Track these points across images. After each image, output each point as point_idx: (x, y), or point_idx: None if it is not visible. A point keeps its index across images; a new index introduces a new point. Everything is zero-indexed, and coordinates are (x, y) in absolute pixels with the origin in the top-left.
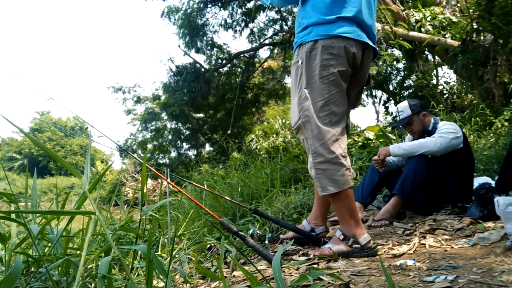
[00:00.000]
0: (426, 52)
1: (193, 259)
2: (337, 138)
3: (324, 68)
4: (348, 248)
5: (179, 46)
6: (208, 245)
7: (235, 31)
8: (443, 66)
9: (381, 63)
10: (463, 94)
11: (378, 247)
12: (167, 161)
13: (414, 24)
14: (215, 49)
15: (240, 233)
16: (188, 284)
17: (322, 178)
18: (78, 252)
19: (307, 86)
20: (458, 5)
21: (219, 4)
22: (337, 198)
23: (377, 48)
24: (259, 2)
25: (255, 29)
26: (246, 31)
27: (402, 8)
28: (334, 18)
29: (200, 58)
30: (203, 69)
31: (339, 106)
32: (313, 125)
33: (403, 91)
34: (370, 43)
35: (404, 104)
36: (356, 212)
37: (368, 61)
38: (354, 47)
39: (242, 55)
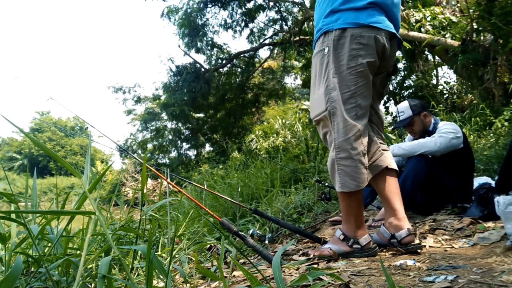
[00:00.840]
0: (426, 52)
1: (193, 259)
2: (360, 134)
3: (353, 58)
4: (348, 248)
5: (179, 46)
6: (208, 245)
7: (235, 31)
8: (443, 66)
9: None
10: (463, 94)
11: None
12: (167, 161)
13: (414, 24)
14: (215, 49)
15: (240, 233)
16: (188, 284)
17: (343, 174)
18: (78, 252)
19: (335, 75)
20: (458, 5)
21: (219, 4)
22: (350, 197)
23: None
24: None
25: (255, 29)
26: (246, 31)
27: (402, 8)
28: (365, 4)
29: (200, 58)
30: (203, 69)
31: (365, 99)
32: (339, 117)
33: (403, 91)
34: (397, 33)
35: (405, 104)
36: (361, 214)
37: (394, 50)
38: (383, 37)
39: (242, 55)
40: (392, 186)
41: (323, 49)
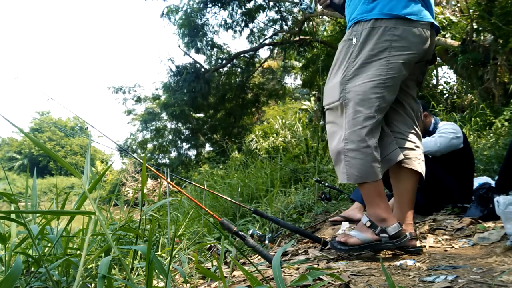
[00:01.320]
0: None
1: (193, 259)
2: (373, 127)
3: (385, 49)
4: (374, 237)
5: (179, 46)
6: (208, 245)
7: (235, 31)
8: (443, 66)
9: None
10: (463, 94)
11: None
12: (167, 161)
13: None
14: (215, 49)
15: (240, 233)
16: (188, 284)
17: (349, 166)
18: (78, 252)
19: (361, 66)
20: (458, 5)
21: (219, 4)
22: (365, 185)
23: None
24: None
25: (255, 29)
26: (246, 31)
27: None
28: None
29: (200, 58)
30: (203, 69)
31: (390, 93)
32: (351, 109)
33: None
34: (435, 22)
35: None
36: (385, 197)
37: (432, 39)
38: (419, 29)
39: (242, 55)
40: (408, 189)
41: (350, 39)
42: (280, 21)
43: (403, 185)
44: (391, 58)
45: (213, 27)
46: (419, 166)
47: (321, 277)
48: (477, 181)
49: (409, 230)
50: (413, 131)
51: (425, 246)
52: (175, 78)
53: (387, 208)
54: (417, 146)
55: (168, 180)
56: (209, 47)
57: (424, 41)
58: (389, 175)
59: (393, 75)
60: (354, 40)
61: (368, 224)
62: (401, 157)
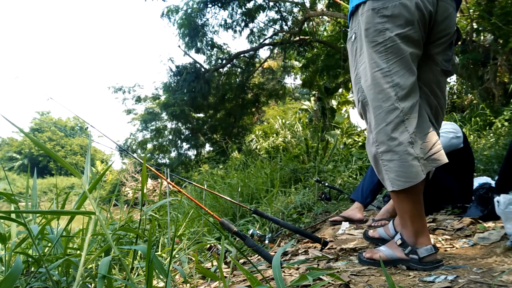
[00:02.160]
0: None
1: (193, 259)
2: (403, 119)
3: (379, 33)
4: (403, 256)
5: (179, 46)
6: (208, 245)
7: (235, 31)
8: None
9: None
10: (463, 94)
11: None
12: (167, 161)
13: None
14: (215, 49)
15: (240, 233)
16: (188, 284)
17: (389, 171)
18: (78, 252)
19: (365, 58)
20: None
21: (219, 4)
22: (402, 195)
23: None
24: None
25: (255, 29)
26: (246, 31)
27: None
28: None
29: (200, 58)
30: (203, 69)
31: (403, 78)
32: (371, 107)
33: None
34: None
35: None
36: (420, 216)
37: (446, 11)
38: (414, 1)
39: (242, 55)
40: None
41: (351, 37)
42: (280, 21)
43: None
44: (388, 42)
45: (213, 27)
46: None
47: (321, 277)
48: (477, 181)
49: (428, 242)
50: (437, 123)
51: None
52: (175, 78)
53: (422, 227)
54: None
55: (168, 180)
56: (209, 47)
57: (421, 12)
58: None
59: (395, 59)
60: (353, 36)
61: (399, 242)
62: (445, 159)
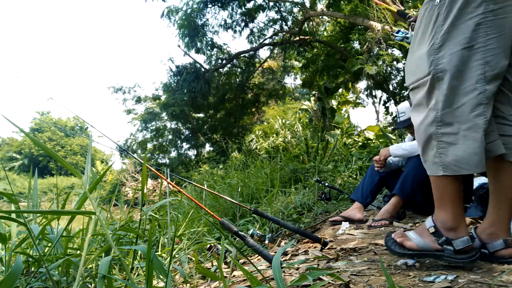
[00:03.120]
0: None
1: (193, 259)
2: (482, 102)
3: (480, 4)
4: (436, 246)
5: (179, 46)
6: (208, 245)
7: (235, 31)
8: None
9: (380, 63)
10: None
11: (377, 247)
12: (167, 161)
13: None
14: (215, 49)
15: (240, 233)
16: (188, 284)
17: (445, 154)
18: (78, 252)
19: (452, 29)
20: None
21: (219, 4)
22: (450, 179)
23: (381, 46)
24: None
25: (255, 29)
26: (246, 31)
27: (402, 8)
28: None
29: (200, 58)
30: (203, 69)
31: (497, 57)
32: (445, 84)
33: (403, 91)
34: None
35: (405, 105)
36: (460, 201)
37: None
38: None
39: (242, 55)
40: (510, 185)
41: None
42: (280, 21)
43: (503, 180)
44: (489, 14)
45: (213, 27)
46: None
47: (321, 277)
48: (477, 181)
49: (503, 236)
50: None
51: None
52: (175, 78)
53: (460, 215)
54: None
55: (168, 180)
56: (209, 47)
57: None
58: (389, 176)
59: (495, 34)
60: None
61: (432, 230)
62: (502, 150)
